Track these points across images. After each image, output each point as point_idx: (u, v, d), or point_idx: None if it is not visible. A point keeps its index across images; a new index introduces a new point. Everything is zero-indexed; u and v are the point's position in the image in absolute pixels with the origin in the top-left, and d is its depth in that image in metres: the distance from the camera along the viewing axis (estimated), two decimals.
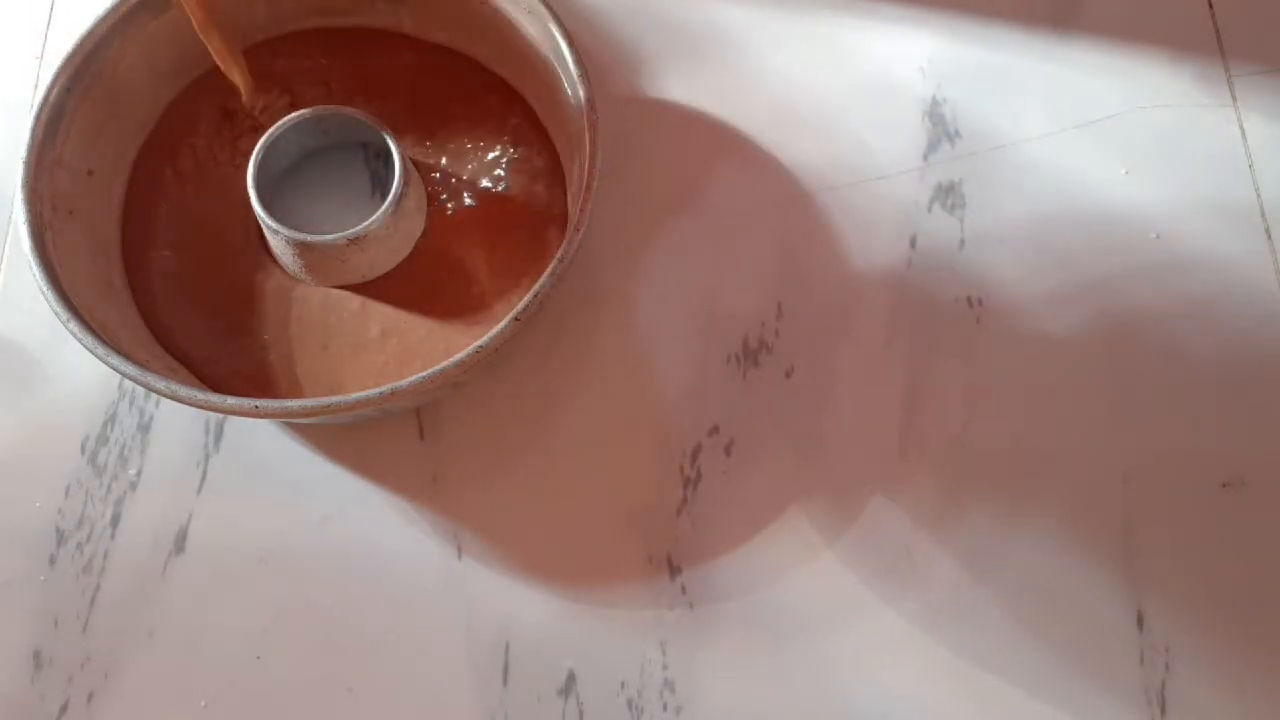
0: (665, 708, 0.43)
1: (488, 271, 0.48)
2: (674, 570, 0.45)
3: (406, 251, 0.48)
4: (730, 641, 0.44)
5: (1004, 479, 0.45)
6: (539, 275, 0.42)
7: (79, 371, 0.48)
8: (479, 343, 0.41)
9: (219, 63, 0.46)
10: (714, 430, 0.47)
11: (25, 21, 0.56)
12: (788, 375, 0.48)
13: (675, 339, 0.48)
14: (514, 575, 0.45)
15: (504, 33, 0.49)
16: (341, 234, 0.45)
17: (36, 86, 0.54)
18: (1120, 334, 0.48)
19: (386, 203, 0.46)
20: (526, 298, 0.42)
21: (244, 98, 0.48)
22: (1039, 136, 0.51)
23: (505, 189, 0.50)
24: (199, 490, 0.47)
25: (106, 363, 0.41)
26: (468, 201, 0.49)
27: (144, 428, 0.48)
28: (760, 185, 0.51)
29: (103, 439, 0.48)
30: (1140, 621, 0.43)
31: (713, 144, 0.52)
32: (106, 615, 0.45)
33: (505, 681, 0.43)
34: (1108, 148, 0.51)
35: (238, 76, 0.47)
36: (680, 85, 0.53)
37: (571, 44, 0.46)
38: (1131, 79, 0.52)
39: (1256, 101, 0.51)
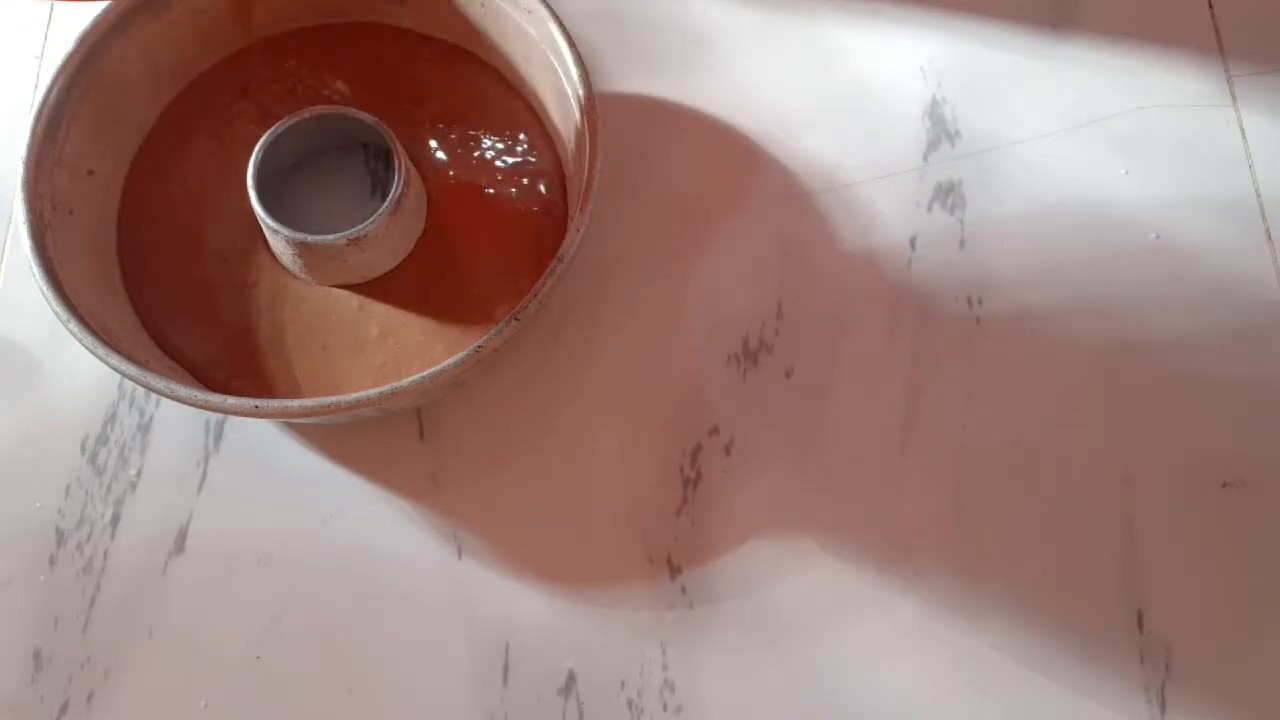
0: (665, 708, 0.43)
1: (488, 271, 0.48)
2: (674, 570, 0.45)
3: (406, 251, 0.48)
4: (730, 641, 0.44)
5: (1004, 479, 0.45)
6: (539, 275, 0.43)
7: (79, 371, 0.48)
8: (479, 343, 0.41)
9: None
10: (714, 430, 0.47)
11: (25, 21, 0.56)
12: (788, 375, 0.48)
13: (675, 339, 0.48)
14: (514, 575, 0.45)
15: (504, 33, 0.49)
16: (341, 234, 0.45)
17: (36, 86, 0.54)
18: (1120, 334, 0.47)
19: (386, 203, 0.46)
20: (526, 298, 0.42)
21: None
22: (1039, 136, 0.51)
23: (505, 189, 0.50)
24: (199, 490, 0.47)
25: (106, 363, 0.42)
26: (468, 201, 0.49)
27: (144, 428, 0.48)
28: (760, 185, 0.51)
29: (103, 439, 0.47)
30: (1140, 621, 0.43)
31: (713, 144, 0.52)
32: (106, 615, 0.45)
33: (505, 681, 0.43)
34: (1108, 148, 0.51)
35: None
36: (681, 85, 0.53)
37: (571, 44, 0.46)
38: (1131, 79, 0.52)
39: (1256, 101, 0.51)
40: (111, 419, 0.48)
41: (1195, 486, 0.45)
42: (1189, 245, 0.49)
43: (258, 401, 0.41)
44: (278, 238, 0.46)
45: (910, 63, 0.53)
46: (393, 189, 0.46)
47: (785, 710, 0.43)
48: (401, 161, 0.46)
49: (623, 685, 0.43)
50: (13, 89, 0.54)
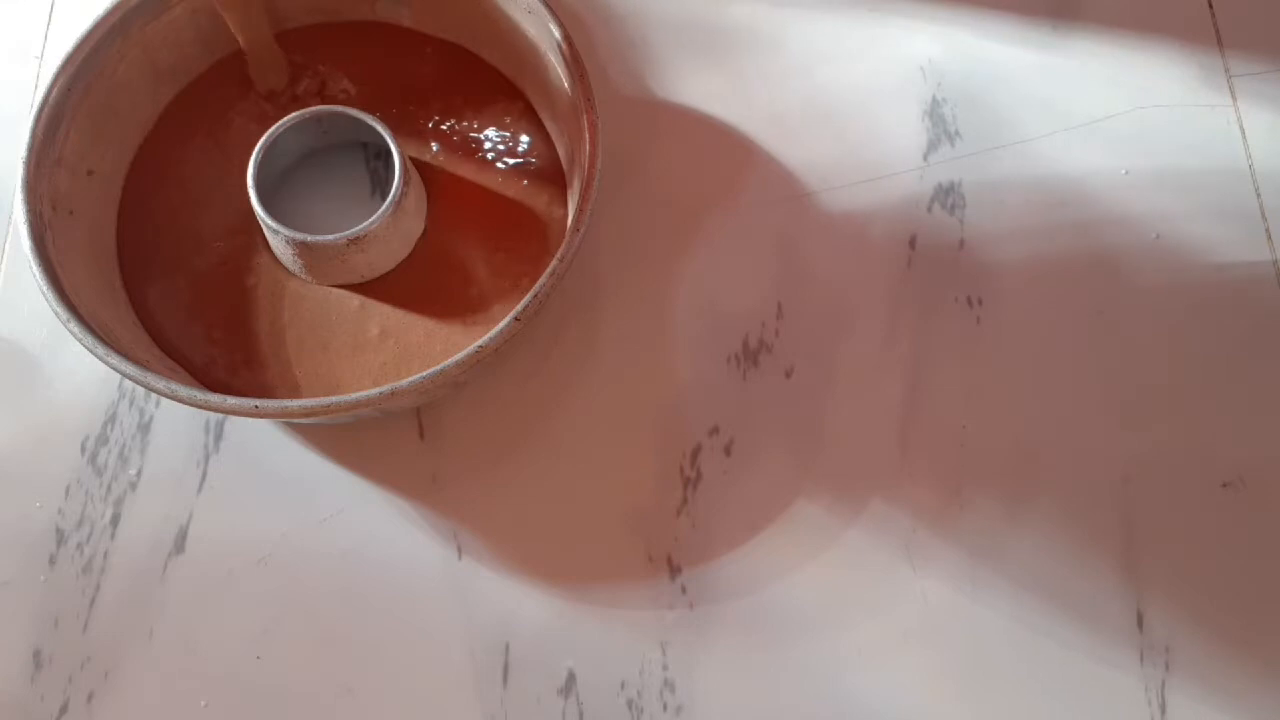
0: (665, 708, 0.43)
1: (487, 271, 0.48)
2: (674, 570, 0.45)
3: (406, 251, 0.48)
4: (730, 641, 0.44)
5: (1004, 479, 0.45)
6: (539, 275, 0.43)
7: (79, 371, 0.48)
8: (479, 343, 0.41)
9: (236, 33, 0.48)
10: (714, 430, 0.47)
11: (25, 21, 0.56)
12: (788, 375, 0.48)
13: (675, 339, 0.48)
14: (514, 575, 0.45)
15: (504, 32, 0.49)
16: (341, 234, 0.45)
17: (36, 86, 0.54)
18: (1120, 334, 0.48)
19: (386, 203, 0.46)
20: (526, 298, 0.42)
21: (254, 79, 0.49)
22: (1039, 136, 0.51)
23: (505, 189, 0.50)
24: (199, 490, 0.47)
25: (106, 363, 0.41)
26: (468, 202, 0.49)
27: (144, 428, 0.48)
28: (760, 185, 0.51)
29: (103, 439, 0.47)
30: (1140, 621, 0.43)
31: (713, 144, 0.52)
32: (106, 615, 0.45)
33: (505, 681, 0.43)
34: (1108, 148, 0.51)
35: (251, 52, 0.48)
36: (681, 85, 0.53)
37: (571, 44, 0.46)
38: (1131, 79, 0.52)
39: (1256, 101, 0.51)
40: (111, 419, 0.48)
41: (1195, 486, 0.45)
42: (1189, 245, 0.49)
43: (258, 401, 0.41)
44: (278, 238, 0.46)
45: (910, 63, 0.53)
46: (393, 189, 0.46)
47: (785, 710, 0.43)
48: (402, 161, 0.46)
49: (623, 685, 0.43)
50: (13, 89, 0.54)
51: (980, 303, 0.48)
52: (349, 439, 0.47)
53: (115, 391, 0.48)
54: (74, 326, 0.42)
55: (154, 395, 0.47)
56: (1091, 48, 0.53)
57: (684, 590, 0.44)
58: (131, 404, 0.48)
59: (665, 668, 0.43)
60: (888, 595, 0.44)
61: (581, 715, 0.43)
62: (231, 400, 0.41)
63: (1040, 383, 0.47)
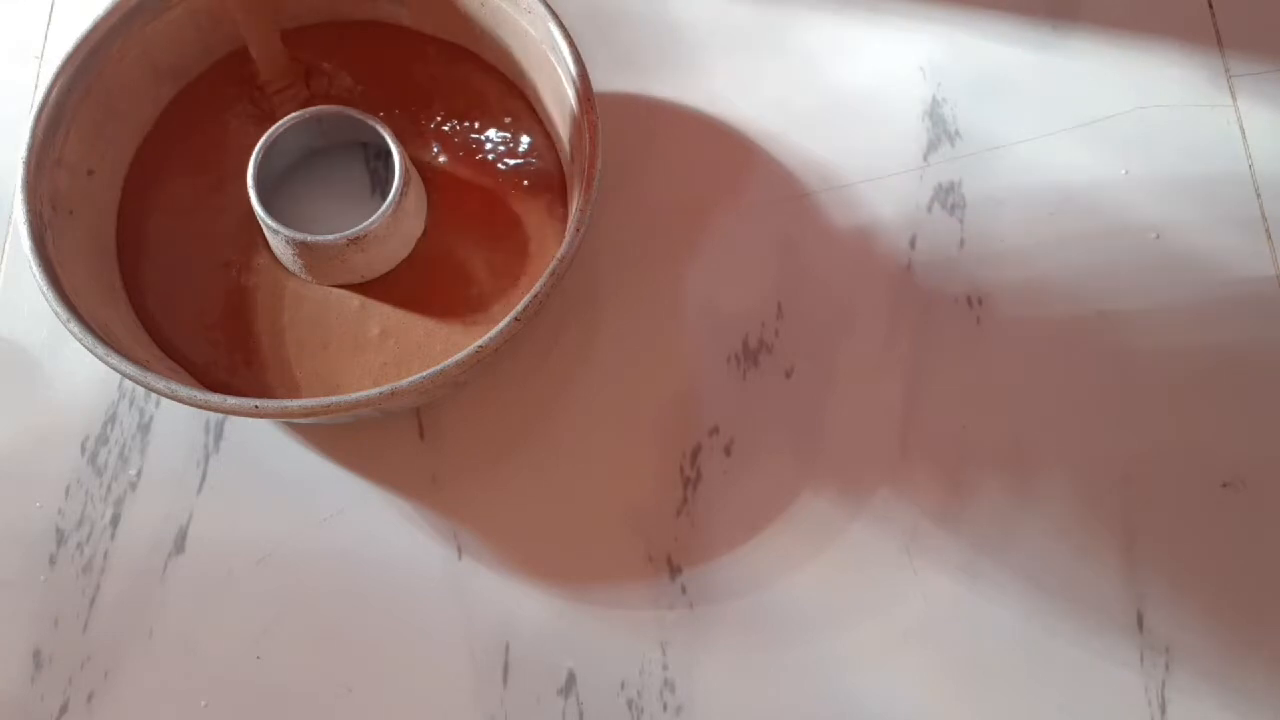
0: (665, 708, 0.43)
1: (487, 271, 0.48)
2: (674, 570, 0.45)
3: (406, 251, 0.48)
4: (730, 641, 0.44)
5: (1004, 479, 0.45)
6: (538, 276, 0.43)
7: (79, 371, 0.48)
8: (479, 343, 0.41)
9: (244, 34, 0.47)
10: (714, 430, 0.47)
11: (25, 21, 0.56)
12: (788, 375, 0.48)
13: (675, 339, 0.48)
14: (514, 575, 0.45)
15: (504, 32, 0.49)
16: (341, 234, 0.45)
17: (36, 86, 0.54)
18: (1120, 334, 0.48)
19: (386, 203, 0.46)
20: (526, 298, 0.42)
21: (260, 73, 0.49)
22: (1039, 136, 0.51)
23: (505, 189, 0.50)
24: (199, 490, 0.47)
25: (106, 363, 0.42)
26: (468, 202, 0.49)
27: (144, 428, 0.48)
28: (760, 185, 0.51)
29: (103, 439, 0.47)
30: (1140, 621, 0.43)
31: (713, 144, 0.52)
32: (106, 615, 0.45)
33: (505, 681, 0.43)
34: (1108, 148, 0.51)
35: (256, 51, 0.48)
36: (681, 85, 0.53)
37: (571, 44, 0.46)
38: (1131, 79, 0.52)
39: (1256, 101, 0.51)
40: (111, 419, 0.48)
41: (1195, 486, 0.45)
42: (1189, 245, 0.49)
43: (258, 401, 0.41)
44: (278, 238, 0.46)
45: (910, 63, 0.53)
46: (393, 189, 0.46)
47: (785, 710, 0.43)
48: (402, 162, 0.46)
49: (623, 685, 0.43)
50: (13, 89, 0.54)
51: (980, 303, 0.48)
52: (349, 439, 0.47)
53: (115, 391, 0.48)
54: (74, 326, 0.42)
55: (154, 395, 0.47)
56: (1091, 48, 0.53)
57: (684, 590, 0.44)
58: (131, 404, 0.48)
59: (665, 668, 0.43)
60: (888, 595, 0.44)
61: (581, 715, 0.43)
62: (231, 400, 0.41)
63: (1040, 383, 0.47)
